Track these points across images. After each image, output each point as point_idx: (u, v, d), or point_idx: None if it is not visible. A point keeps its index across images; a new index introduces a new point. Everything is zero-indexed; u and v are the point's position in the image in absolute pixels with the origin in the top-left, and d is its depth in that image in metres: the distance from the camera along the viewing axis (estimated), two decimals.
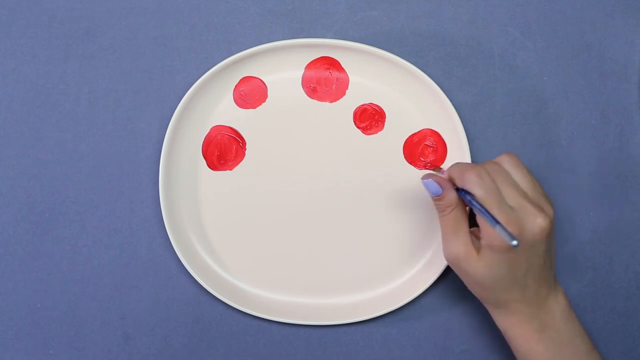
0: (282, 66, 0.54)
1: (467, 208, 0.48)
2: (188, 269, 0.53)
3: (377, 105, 0.54)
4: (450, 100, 0.53)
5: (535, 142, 0.55)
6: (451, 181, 0.48)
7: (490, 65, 0.55)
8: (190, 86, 0.53)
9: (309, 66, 0.54)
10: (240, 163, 0.54)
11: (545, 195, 0.47)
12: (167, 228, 0.53)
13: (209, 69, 0.53)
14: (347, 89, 0.54)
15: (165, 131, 0.53)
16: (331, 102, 0.54)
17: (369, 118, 0.54)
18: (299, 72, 0.54)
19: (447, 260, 0.48)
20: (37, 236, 0.55)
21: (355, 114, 0.54)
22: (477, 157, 0.55)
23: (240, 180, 0.54)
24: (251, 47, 0.53)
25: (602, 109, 0.55)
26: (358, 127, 0.54)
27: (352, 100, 0.54)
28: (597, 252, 0.55)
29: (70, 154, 0.55)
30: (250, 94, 0.54)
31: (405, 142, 0.54)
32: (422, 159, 0.54)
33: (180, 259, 0.53)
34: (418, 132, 0.54)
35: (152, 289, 0.55)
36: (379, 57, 0.53)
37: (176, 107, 0.53)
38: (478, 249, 0.46)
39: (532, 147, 0.55)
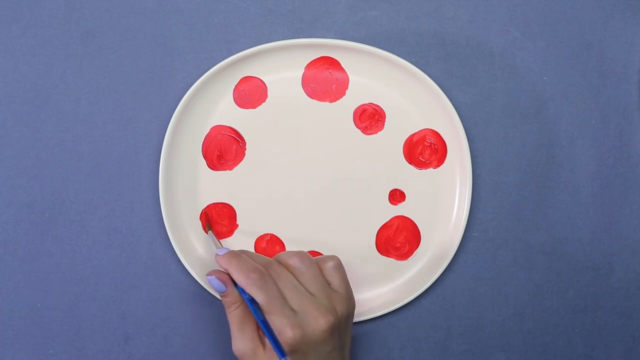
0: (282, 66, 0.54)
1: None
2: (188, 269, 0.53)
3: (377, 105, 0.54)
4: (450, 100, 0.53)
5: (535, 142, 0.55)
6: (232, 278, 0.47)
7: (490, 65, 0.55)
8: (190, 86, 0.53)
9: (309, 66, 0.54)
10: (240, 163, 0.54)
11: (337, 294, 0.47)
12: (167, 228, 0.53)
13: (209, 69, 0.53)
14: (347, 89, 0.54)
15: (165, 131, 0.53)
16: (331, 102, 0.54)
17: (369, 118, 0.54)
18: (299, 72, 0.54)
19: (236, 355, 0.47)
20: (37, 236, 0.55)
21: (355, 114, 0.54)
22: (477, 157, 0.55)
23: (240, 180, 0.54)
24: (251, 47, 0.53)
25: (602, 109, 0.55)
26: (358, 127, 0.54)
27: (352, 100, 0.54)
28: (597, 252, 0.55)
29: (70, 154, 0.55)
30: (250, 93, 0.54)
31: (405, 142, 0.54)
32: (422, 159, 0.54)
33: (180, 259, 0.53)
34: (418, 132, 0.54)
35: (152, 289, 0.55)
36: (379, 57, 0.53)
37: (176, 107, 0.53)
38: (264, 344, 0.47)
39: (532, 147, 0.55)
